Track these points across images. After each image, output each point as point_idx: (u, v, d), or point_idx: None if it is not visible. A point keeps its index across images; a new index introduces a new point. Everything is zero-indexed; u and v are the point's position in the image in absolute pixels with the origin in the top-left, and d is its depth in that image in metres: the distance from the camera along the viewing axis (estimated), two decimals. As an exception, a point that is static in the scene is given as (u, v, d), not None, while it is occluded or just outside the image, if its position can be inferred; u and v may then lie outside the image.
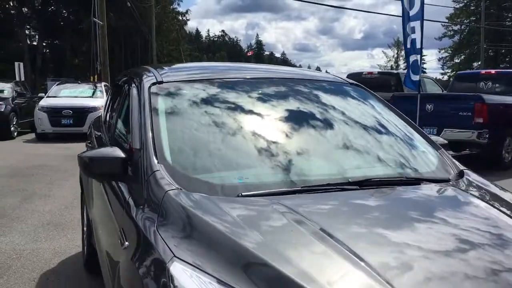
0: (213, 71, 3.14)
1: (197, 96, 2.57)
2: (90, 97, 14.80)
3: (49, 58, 40.20)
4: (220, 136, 2.32)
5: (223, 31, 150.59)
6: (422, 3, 8.53)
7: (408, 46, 8.69)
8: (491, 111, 8.66)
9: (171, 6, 42.70)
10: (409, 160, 2.42)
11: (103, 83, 16.34)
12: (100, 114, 4.73)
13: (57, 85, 16.06)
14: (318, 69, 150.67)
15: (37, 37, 39.24)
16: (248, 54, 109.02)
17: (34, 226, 5.32)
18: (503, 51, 50.44)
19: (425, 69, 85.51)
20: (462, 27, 53.33)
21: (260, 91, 2.65)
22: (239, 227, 1.69)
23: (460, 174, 2.38)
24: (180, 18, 45.69)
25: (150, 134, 2.24)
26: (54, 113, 13.47)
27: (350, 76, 14.37)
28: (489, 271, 1.55)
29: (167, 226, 1.78)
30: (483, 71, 11.97)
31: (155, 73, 2.77)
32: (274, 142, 2.29)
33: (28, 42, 38.06)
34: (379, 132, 2.59)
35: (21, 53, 34.51)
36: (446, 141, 2.90)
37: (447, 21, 52.40)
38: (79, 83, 17.30)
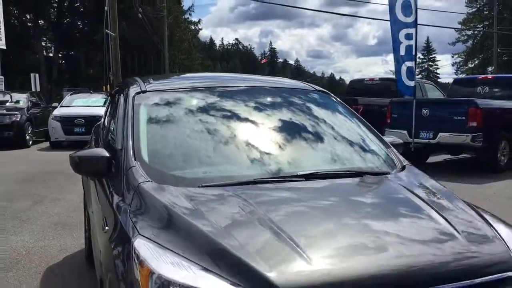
0: (192, 81, 3.53)
1: (173, 104, 2.96)
2: (101, 106, 15.27)
3: (64, 69, 41.11)
4: (191, 138, 2.71)
5: (236, 39, 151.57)
6: (416, 12, 8.83)
7: (403, 53, 8.97)
8: (485, 115, 8.90)
9: (183, 16, 43.41)
10: (357, 157, 2.78)
11: (114, 93, 16.81)
12: None
13: (70, 95, 16.66)
14: (332, 75, 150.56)
15: (53, 48, 40.20)
16: (262, 62, 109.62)
17: (43, 227, 5.74)
18: (517, 55, 50.16)
19: (438, 74, 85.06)
20: (475, 32, 53.25)
21: (228, 99, 3.03)
22: (193, 210, 2.06)
23: (402, 168, 2.72)
24: (192, 27, 46.40)
25: (130, 136, 2.62)
26: (67, 122, 14.00)
27: (353, 82, 14.70)
28: (381, 237, 1.93)
29: (137, 211, 2.16)
30: (480, 76, 12.20)
31: (141, 83, 3.15)
32: (235, 143, 2.68)
33: (45, 53, 38.99)
34: (335, 133, 2.95)
35: (38, 64, 35.40)
36: (401, 141, 3.24)
37: (460, 26, 52.41)
38: (91, 93, 17.88)
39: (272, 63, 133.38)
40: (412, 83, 8.98)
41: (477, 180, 8.71)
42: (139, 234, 1.96)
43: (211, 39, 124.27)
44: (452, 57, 56.93)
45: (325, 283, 1.65)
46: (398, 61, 9.05)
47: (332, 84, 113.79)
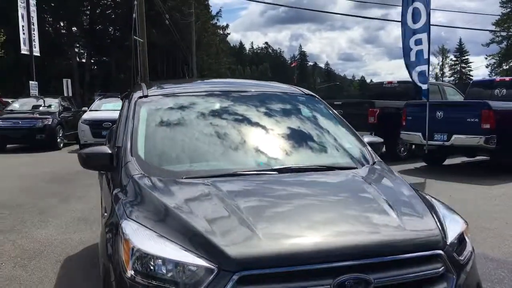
0: (192, 87, 3.88)
1: (171, 107, 3.31)
2: (129, 110, 15.86)
3: (97, 74, 42.45)
4: (182, 137, 3.06)
5: (266, 43, 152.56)
6: (428, 15, 8.97)
7: (413, 59, 9.12)
8: (499, 117, 8.97)
9: (211, 21, 44.14)
10: (331, 154, 3.08)
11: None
12: None
13: (99, 99, 17.33)
14: (362, 78, 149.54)
15: (85, 54, 41.51)
16: (292, 65, 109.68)
17: (66, 222, 6.19)
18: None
19: (472, 76, 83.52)
20: (510, 33, 52.25)
21: (220, 102, 3.37)
22: (174, 198, 2.39)
23: (373, 164, 2.99)
24: (220, 32, 47.09)
25: (129, 135, 2.99)
26: (95, 125, 14.59)
27: (372, 85, 14.85)
28: (328, 218, 2.25)
29: (128, 199, 2.51)
30: (497, 79, 12.19)
31: (144, 88, 3.52)
32: (220, 141, 3.01)
33: (77, 59, 40.33)
34: (315, 133, 3.25)
35: (71, 70, 36.70)
36: (381, 140, 3.49)
37: (494, 27, 51.50)
38: (119, 97, 18.52)
39: (302, 66, 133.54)
40: (425, 86, 9.11)
41: (488, 182, 8.80)
42: (127, 217, 2.30)
43: (240, 43, 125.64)
44: (486, 58, 55.98)
45: (272, 254, 1.96)
46: (410, 67, 9.21)
47: (363, 87, 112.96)
